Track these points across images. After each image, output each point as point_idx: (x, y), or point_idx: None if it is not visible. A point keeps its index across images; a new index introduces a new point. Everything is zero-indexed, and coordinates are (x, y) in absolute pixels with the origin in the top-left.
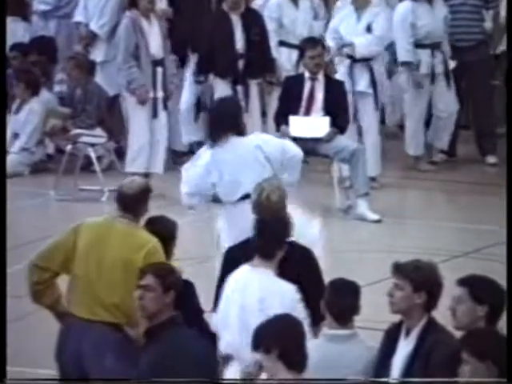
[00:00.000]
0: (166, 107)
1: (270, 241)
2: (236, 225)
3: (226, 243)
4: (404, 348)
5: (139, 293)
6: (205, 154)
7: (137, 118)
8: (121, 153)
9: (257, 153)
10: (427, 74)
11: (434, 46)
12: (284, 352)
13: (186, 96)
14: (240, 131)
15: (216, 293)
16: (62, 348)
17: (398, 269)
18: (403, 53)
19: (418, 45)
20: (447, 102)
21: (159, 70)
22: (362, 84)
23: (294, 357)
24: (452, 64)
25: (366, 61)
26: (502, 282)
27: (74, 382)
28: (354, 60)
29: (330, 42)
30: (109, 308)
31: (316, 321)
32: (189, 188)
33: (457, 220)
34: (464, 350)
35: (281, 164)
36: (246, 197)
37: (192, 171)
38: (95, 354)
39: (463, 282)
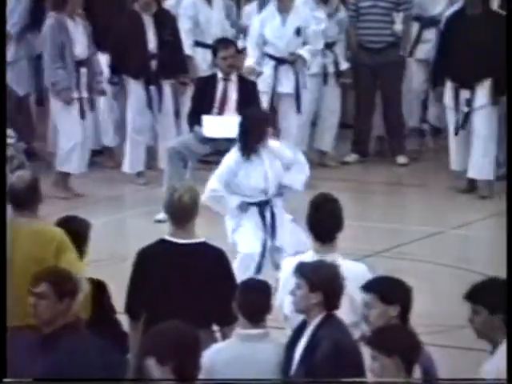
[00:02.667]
0: (92, 108)
1: (330, 223)
2: (247, 225)
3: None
4: (301, 343)
5: (33, 300)
6: (232, 156)
7: (65, 118)
8: (31, 153)
9: (276, 161)
10: (318, 74)
11: (326, 46)
12: (179, 366)
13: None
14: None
15: (129, 294)
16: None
17: (298, 269)
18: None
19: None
20: (334, 102)
21: (83, 70)
22: (286, 85)
23: (189, 370)
24: (345, 65)
25: (292, 63)
26: (411, 279)
27: (74, 382)
28: (278, 61)
29: (251, 45)
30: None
31: (228, 321)
32: (214, 184)
33: (368, 219)
34: (371, 346)
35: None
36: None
37: (219, 171)
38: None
39: (369, 287)
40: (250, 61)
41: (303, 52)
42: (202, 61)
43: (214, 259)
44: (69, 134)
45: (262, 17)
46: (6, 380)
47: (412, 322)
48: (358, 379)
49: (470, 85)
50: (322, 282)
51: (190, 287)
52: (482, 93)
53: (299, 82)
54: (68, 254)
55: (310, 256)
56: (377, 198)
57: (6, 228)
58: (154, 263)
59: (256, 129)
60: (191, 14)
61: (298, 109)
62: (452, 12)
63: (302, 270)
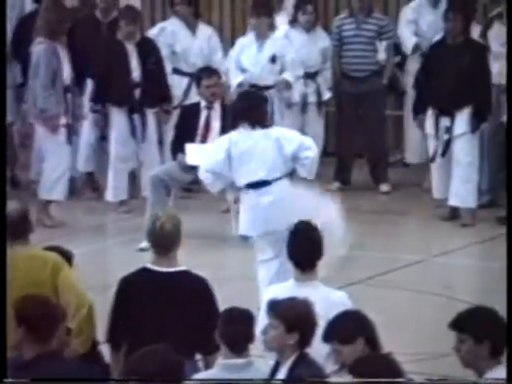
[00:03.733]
0: (76, 133)
1: (310, 251)
2: (247, 211)
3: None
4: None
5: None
6: (225, 140)
7: (52, 145)
8: (14, 182)
9: (273, 144)
10: (298, 103)
11: (308, 76)
12: None
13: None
14: (255, 122)
15: (111, 323)
16: None
17: (271, 308)
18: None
19: None
20: (316, 130)
21: (69, 96)
22: None
23: None
24: (328, 95)
25: (267, 88)
26: (394, 307)
27: (75, 382)
28: (257, 88)
29: (231, 70)
30: None
31: (211, 350)
32: (207, 168)
33: (350, 247)
34: (353, 375)
35: (294, 158)
36: (257, 184)
37: (212, 155)
38: None
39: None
40: (287, 75)
41: (287, 76)
42: (177, 88)
43: (197, 288)
44: (57, 160)
45: (242, 43)
46: (6, 380)
47: (396, 349)
48: (357, 379)
49: (450, 112)
50: (299, 323)
51: (173, 316)
52: (462, 120)
53: (273, 110)
54: (64, 271)
55: (290, 284)
56: (359, 226)
57: (5, 230)
58: (136, 292)
59: (241, 110)
60: (169, 42)
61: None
62: (434, 41)
63: (276, 309)
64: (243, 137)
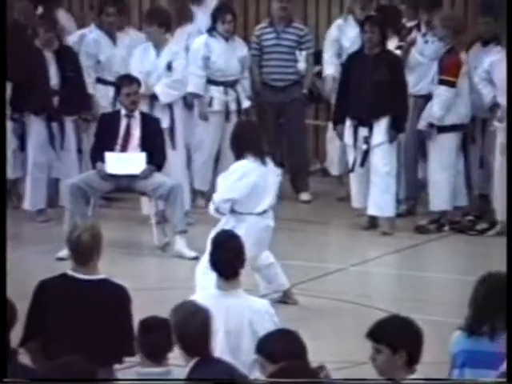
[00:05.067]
0: None
1: (233, 260)
2: (252, 235)
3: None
4: None
5: None
6: (241, 170)
7: None
8: None
9: (276, 180)
10: (220, 111)
11: (228, 84)
12: None
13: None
14: (260, 153)
15: (26, 325)
16: None
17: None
18: (192, 84)
19: (211, 81)
20: None
21: None
22: (163, 120)
23: None
24: (247, 103)
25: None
26: (314, 315)
27: (74, 382)
28: (151, 97)
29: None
30: None
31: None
32: (230, 198)
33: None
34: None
35: None
36: (264, 212)
37: (234, 186)
38: None
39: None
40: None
41: (157, 88)
42: (103, 98)
43: (115, 296)
44: None
45: (138, 52)
46: (6, 380)
47: (318, 358)
48: (357, 379)
49: (368, 122)
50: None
51: (90, 323)
52: (380, 130)
53: (174, 118)
54: None
55: (214, 293)
56: (279, 234)
57: (5, 229)
58: (54, 296)
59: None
60: (92, 52)
61: (173, 144)
62: (351, 52)
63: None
64: (254, 168)
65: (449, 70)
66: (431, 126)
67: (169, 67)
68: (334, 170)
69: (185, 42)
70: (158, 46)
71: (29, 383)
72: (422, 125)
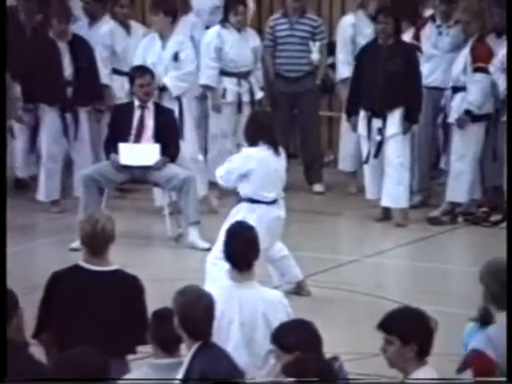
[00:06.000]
0: (12, 135)
1: (247, 251)
2: (264, 225)
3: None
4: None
5: None
6: (248, 150)
7: None
8: None
9: (283, 167)
10: (233, 102)
11: (241, 75)
12: None
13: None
14: (273, 141)
15: (38, 317)
16: None
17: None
18: (204, 76)
19: (224, 72)
20: None
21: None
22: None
23: None
24: (260, 94)
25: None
26: (328, 307)
27: (74, 382)
28: (160, 89)
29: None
30: None
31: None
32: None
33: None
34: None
35: None
36: (274, 202)
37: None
38: None
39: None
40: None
41: (166, 80)
42: (119, 89)
43: (128, 287)
44: None
45: (144, 44)
46: (6, 380)
47: (331, 349)
48: (357, 379)
49: (382, 114)
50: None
51: (103, 314)
52: (394, 121)
53: (182, 109)
54: None
55: (228, 285)
56: (293, 226)
57: (5, 229)
58: (67, 288)
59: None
60: (108, 43)
61: (182, 135)
62: (365, 43)
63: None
64: (267, 156)
65: (483, 57)
66: (467, 113)
67: (175, 58)
68: (347, 166)
69: (189, 32)
70: (164, 36)
71: (29, 383)
72: (453, 117)
